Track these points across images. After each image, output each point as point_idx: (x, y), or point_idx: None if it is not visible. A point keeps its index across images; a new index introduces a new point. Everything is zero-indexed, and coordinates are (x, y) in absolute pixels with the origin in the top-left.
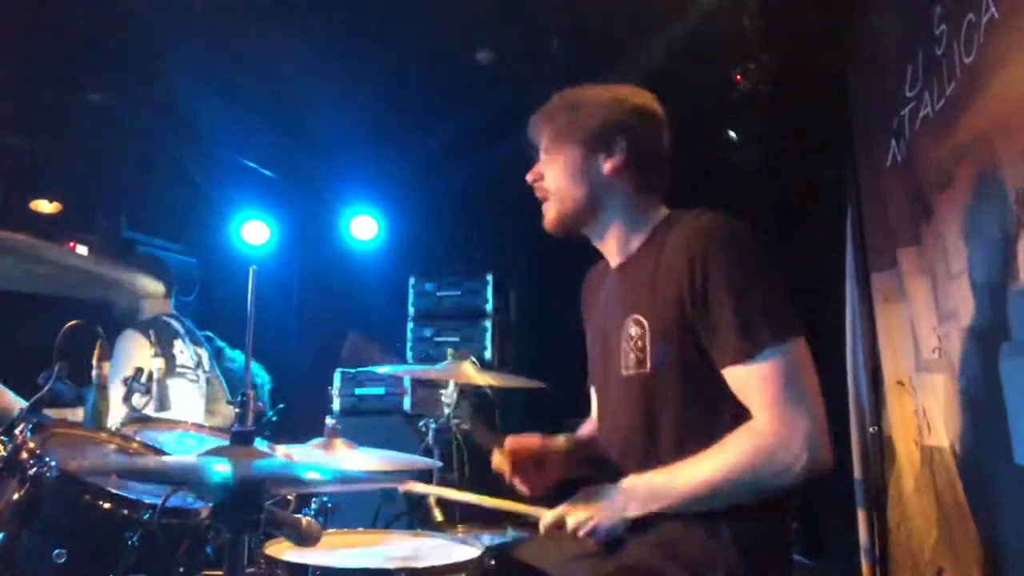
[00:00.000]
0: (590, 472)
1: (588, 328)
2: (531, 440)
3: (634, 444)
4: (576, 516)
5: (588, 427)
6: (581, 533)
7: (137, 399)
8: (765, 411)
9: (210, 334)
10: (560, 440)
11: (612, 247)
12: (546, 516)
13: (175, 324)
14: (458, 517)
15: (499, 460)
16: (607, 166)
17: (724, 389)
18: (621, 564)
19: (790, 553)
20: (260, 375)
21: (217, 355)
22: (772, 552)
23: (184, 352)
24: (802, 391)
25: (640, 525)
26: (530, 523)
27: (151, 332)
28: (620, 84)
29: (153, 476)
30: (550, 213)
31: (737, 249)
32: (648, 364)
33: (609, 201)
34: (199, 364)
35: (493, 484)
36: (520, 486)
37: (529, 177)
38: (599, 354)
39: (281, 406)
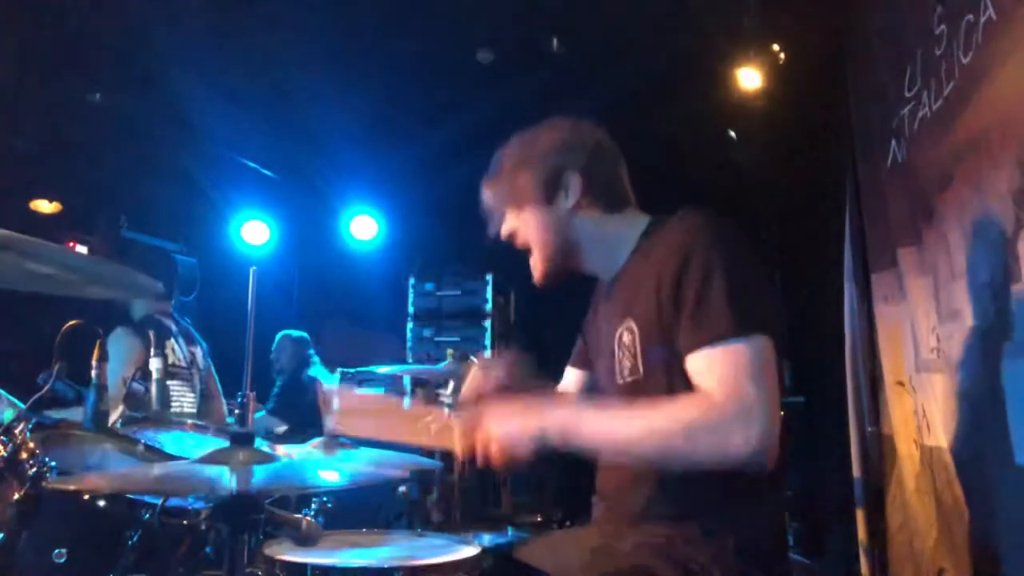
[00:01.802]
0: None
1: (588, 333)
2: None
3: None
4: (487, 432)
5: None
6: (493, 450)
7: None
8: (721, 387)
9: (308, 345)
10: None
11: (602, 269)
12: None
13: (168, 323)
14: (458, 517)
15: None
16: (569, 204)
17: None
18: (616, 564)
19: (786, 553)
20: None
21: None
22: (768, 552)
23: (176, 351)
24: (762, 382)
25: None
26: (530, 524)
27: (150, 331)
28: (552, 120)
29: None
30: (537, 270)
31: (718, 245)
32: (641, 369)
33: (585, 235)
34: (192, 363)
35: (493, 486)
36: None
37: (503, 236)
38: (600, 365)
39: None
